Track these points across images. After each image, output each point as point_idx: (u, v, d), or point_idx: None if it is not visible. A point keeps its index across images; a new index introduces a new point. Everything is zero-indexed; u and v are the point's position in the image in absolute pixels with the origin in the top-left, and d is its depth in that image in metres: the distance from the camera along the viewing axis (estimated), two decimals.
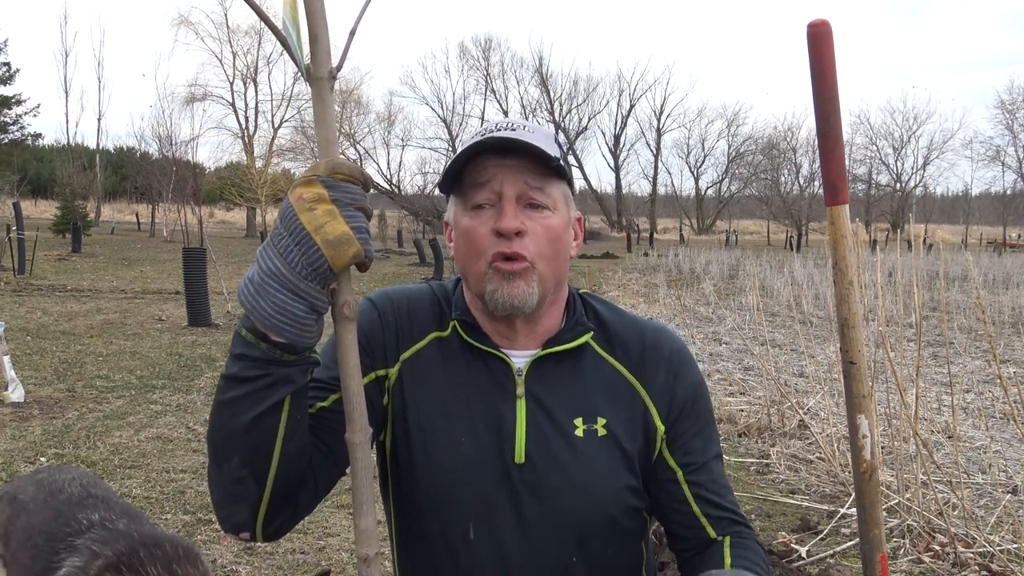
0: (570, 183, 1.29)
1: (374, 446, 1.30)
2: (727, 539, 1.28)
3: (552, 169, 1.22)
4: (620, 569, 1.30)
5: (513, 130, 1.23)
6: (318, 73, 0.98)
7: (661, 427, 1.29)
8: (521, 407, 1.25)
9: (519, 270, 1.20)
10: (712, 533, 1.28)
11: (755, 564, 1.23)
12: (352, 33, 1.02)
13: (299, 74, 1.00)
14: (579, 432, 1.25)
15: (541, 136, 1.24)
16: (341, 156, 1.02)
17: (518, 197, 1.21)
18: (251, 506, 1.10)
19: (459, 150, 1.24)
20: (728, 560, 1.24)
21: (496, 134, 1.21)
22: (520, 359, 1.27)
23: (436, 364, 1.28)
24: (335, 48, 1.00)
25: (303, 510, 1.17)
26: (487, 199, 1.22)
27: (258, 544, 3.60)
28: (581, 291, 1.38)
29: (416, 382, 1.27)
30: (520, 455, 1.23)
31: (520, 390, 1.25)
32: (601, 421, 1.26)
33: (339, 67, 1.00)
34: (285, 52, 1.01)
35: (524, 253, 1.20)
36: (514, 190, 1.21)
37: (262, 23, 1.00)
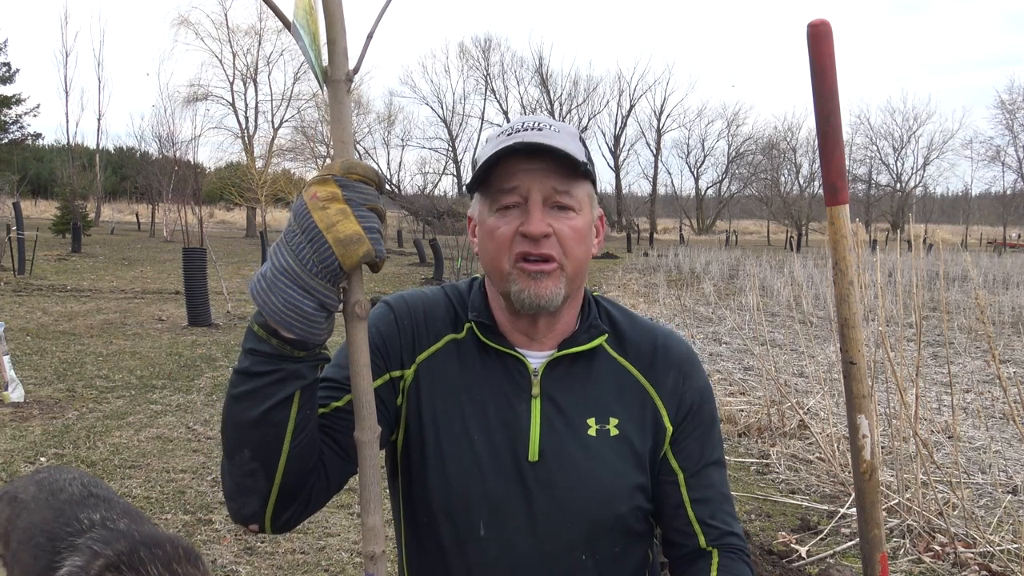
0: (593, 182, 1.30)
1: (385, 446, 1.31)
2: (715, 557, 1.29)
3: (579, 171, 1.23)
4: (627, 569, 1.31)
5: (540, 130, 1.24)
6: (335, 75, 0.99)
7: (670, 428, 1.31)
8: (536, 406, 1.27)
9: (548, 271, 1.22)
10: (703, 542, 1.30)
11: None
12: (369, 36, 1.03)
13: (313, 75, 1.01)
14: (592, 432, 1.27)
15: (567, 136, 1.25)
16: (355, 157, 1.03)
17: (544, 199, 1.22)
18: (261, 498, 1.11)
19: (486, 149, 1.25)
20: None
21: (524, 135, 1.23)
22: (536, 360, 1.29)
23: (452, 365, 1.29)
24: (351, 51, 1.01)
25: (315, 504, 1.19)
26: (514, 201, 1.23)
27: (258, 544, 3.60)
28: (595, 293, 1.40)
29: (432, 383, 1.29)
30: (533, 453, 1.24)
31: (536, 390, 1.27)
32: (614, 421, 1.28)
33: (356, 70, 1.01)
34: (304, 56, 1.02)
35: (553, 253, 1.22)
36: (541, 193, 1.22)
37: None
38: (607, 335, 1.32)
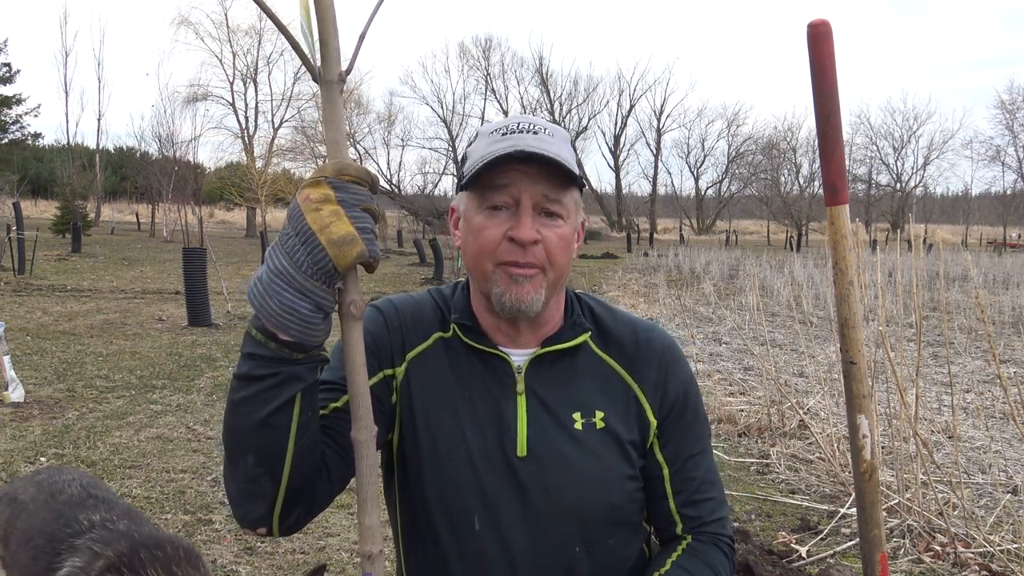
0: (581, 188, 1.31)
1: (382, 445, 1.32)
2: (682, 545, 1.33)
3: (570, 179, 1.24)
4: (623, 562, 1.32)
5: (535, 133, 1.25)
6: (328, 76, 1.00)
7: (654, 421, 1.33)
8: (521, 403, 1.28)
9: (529, 275, 1.23)
10: (680, 530, 1.34)
11: (691, 574, 1.28)
12: (362, 37, 1.04)
13: (308, 76, 1.02)
14: (578, 425, 1.28)
15: (560, 141, 1.26)
16: (349, 158, 1.03)
17: (535, 205, 1.23)
18: (267, 502, 1.12)
19: (478, 146, 1.26)
20: (665, 567, 1.29)
21: (519, 137, 1.23)
22: (519, 357, 1.31)
23: (442, 363, 1.31)
24: (344, 52, 1.02)
25: (319, 504, 1.20)
26: (504, 202, 1.23)
27: (258, 544, 3.60)
28: (577, 292, 1.42)
29: (423, 380, 1.30)
30: (522, 449, 1.26)
31: (520, 387, 1.29)
32: (599, 415, 1.30)
33: (348, 71, 1.01)
34: (297, 56, 1.02)
35: (536, 262, 1.23)
36: (532, 199, 1.23)
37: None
38: (590, 332, 1.34)
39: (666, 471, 1.33)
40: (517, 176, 1.22)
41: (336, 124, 1.01)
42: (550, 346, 1.30)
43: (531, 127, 1.25)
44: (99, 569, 1.58)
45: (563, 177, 1.23)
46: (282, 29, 1.03)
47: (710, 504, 1.35)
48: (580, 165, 1.31)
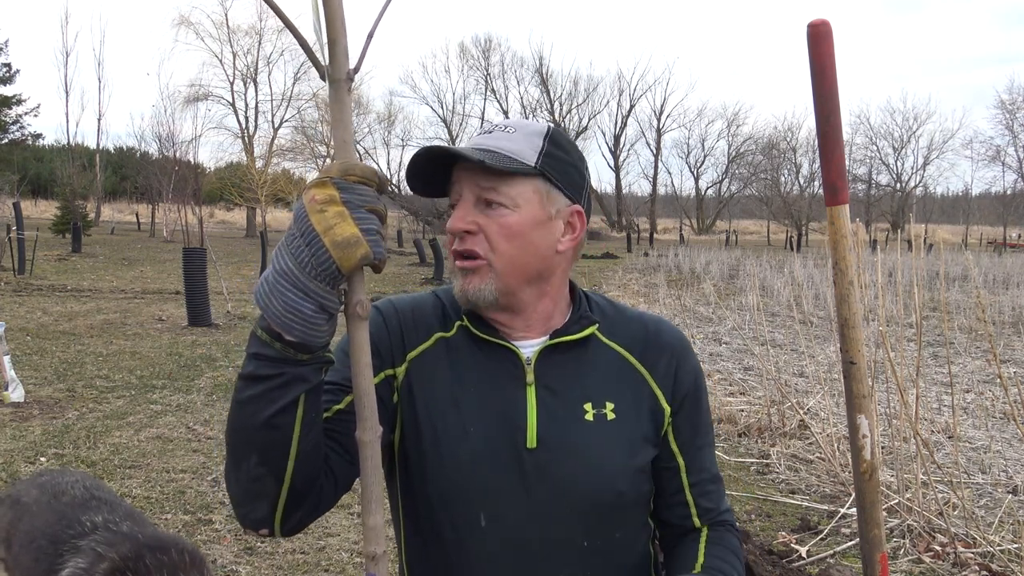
0: (553, 178, 1.27)
1: (385, 445, 1.32)
2: (703, 535, 1.35)
3: (506, 169, 1.23)
4: (630, 556, 1.33)
5: (490, 133, 1.28)
6: (336, 75, 0.99)
7: (667, 408, 1.33)
8: (531, 394, 1.28)
9: (471, 267, 1.25)
10: (697, 523, 1.36)
11: (726, 562, 1.30)
12: (370, 36, 1.04)
13: (308, 76, 1.01)
14: (589, 416, 1.28)
15: (519, 136, 1.26)
16: (356, 158, 1.03)
17: (476, 199, 1.25)
18: (270, 503, 1.12)
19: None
20: (701, 559, 1.31)
21: (475, 139, 1.28)
22: (528, 349, 1.31)
23: (442, 361, 1.31)
24: (352, 50, 1.01)
25: (324, 506, 1.20)
26: (455, 200, 1.27)
27: (259, 544, 3.60)
28: (585, 290, 1.42)
29: (424, 379, 1.30)
30: (532, 440, 1.26)
31: (530, 378, 1.29)
32: (610, 405, 1.30)
33: (356, 69, 1.01)
34: (305, 54, 1.02)
35: (477, 250, 1.24)
36: (472, 192, 1.25)
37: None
38: (598, 324, 1.35)
39: (682, 462, 1.34)
40: (461, 174, 1.26)
41: (343, 123, 1.01)
42: (559, 338, 1.31)
43: (492, 128, 1.29)
44: (103, 571, 1.58)
45: (501, 167, 1.22)
46: (290, 27, 1.03)
47: (720, 495, 1.38)
48: (552, 156, 1.27)
